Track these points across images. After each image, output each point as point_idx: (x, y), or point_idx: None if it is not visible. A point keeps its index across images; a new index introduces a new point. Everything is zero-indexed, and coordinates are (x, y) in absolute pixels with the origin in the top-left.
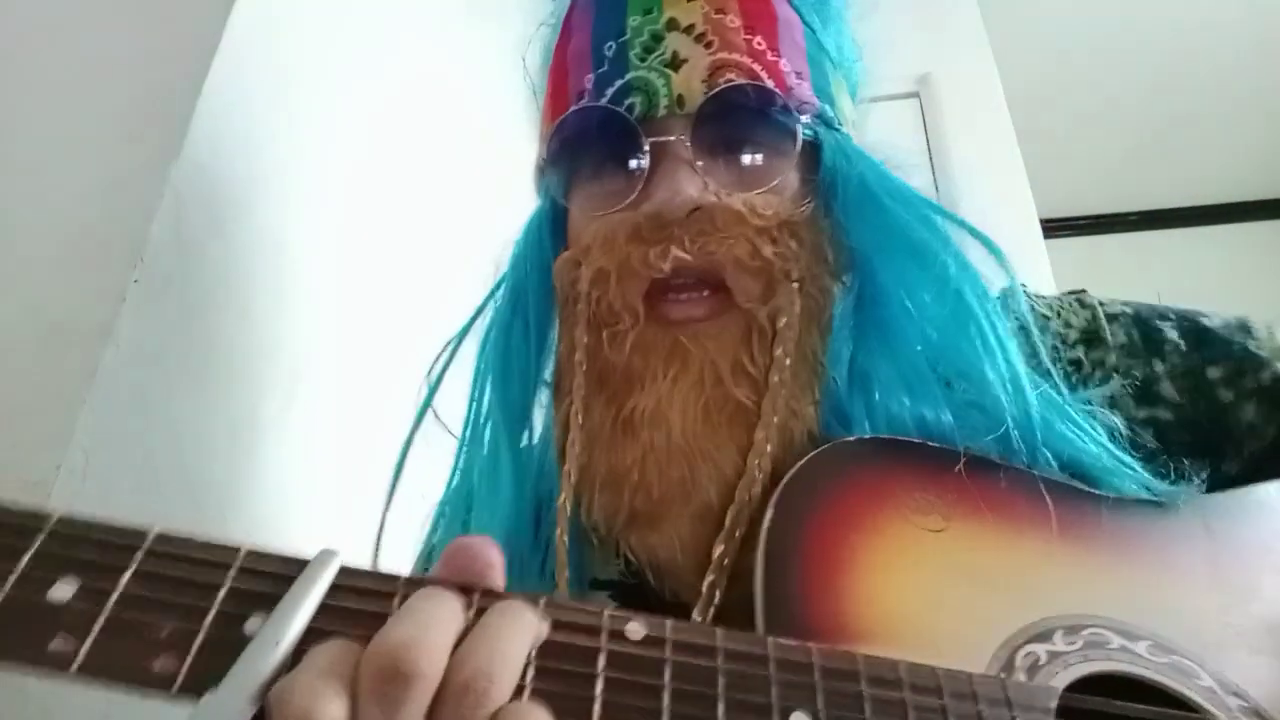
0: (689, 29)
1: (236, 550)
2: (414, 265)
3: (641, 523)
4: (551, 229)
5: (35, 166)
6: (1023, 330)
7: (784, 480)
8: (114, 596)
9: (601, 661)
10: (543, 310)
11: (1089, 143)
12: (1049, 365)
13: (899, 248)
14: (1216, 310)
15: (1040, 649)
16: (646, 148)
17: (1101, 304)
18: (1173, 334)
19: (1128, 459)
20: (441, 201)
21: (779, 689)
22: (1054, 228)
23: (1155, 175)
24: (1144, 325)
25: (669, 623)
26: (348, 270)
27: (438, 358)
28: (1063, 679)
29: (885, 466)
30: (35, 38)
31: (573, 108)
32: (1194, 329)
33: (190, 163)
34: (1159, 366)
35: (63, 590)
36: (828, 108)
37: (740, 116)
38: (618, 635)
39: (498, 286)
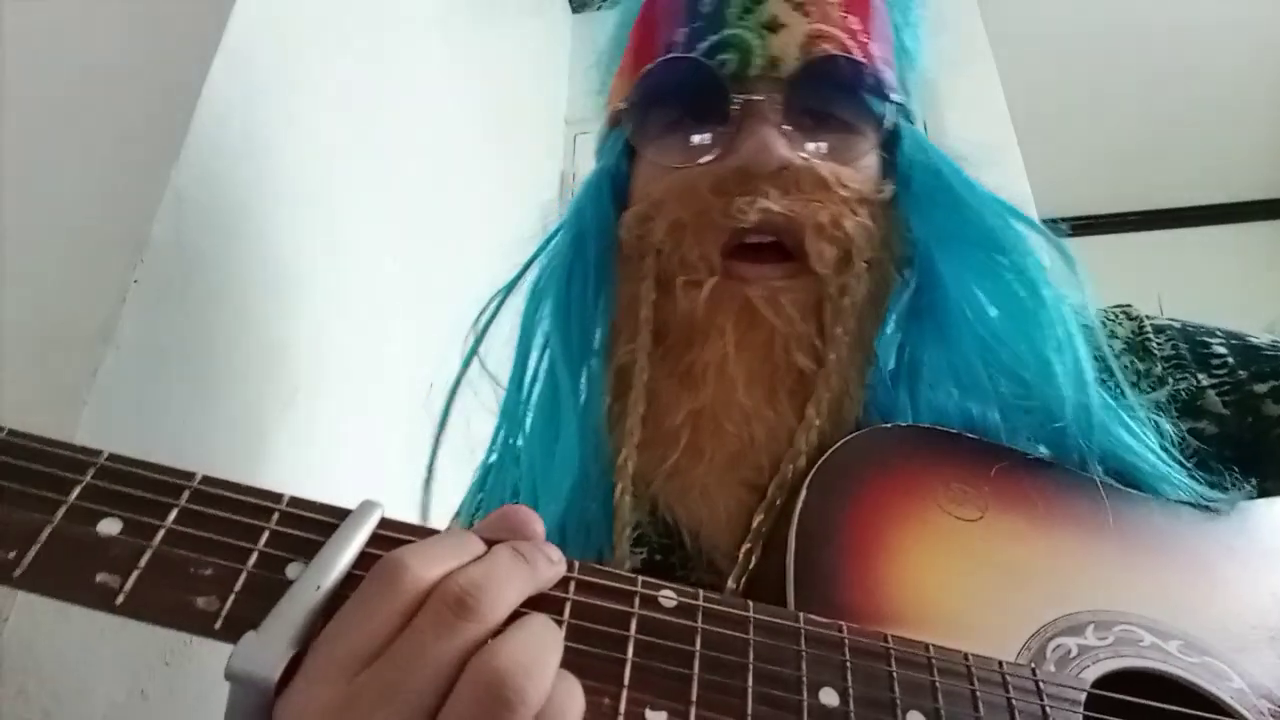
0: None
1: (280, 497)
2: (414, 264)
3: (685, 481)
4: (612, 188)
5: (36, 167)
6: (1087, 332)
7: (820, 461)
8: (160, 533)
9: (633, 626)
10: (601, 268)
11: (1089, 143)
12: (1114, 368)
13: (974, 239)
14: (1261, 333)
15: (1071, 642)
16: (735, 105)
17: (1148, 317)
18: (1220, 349)
19: (1178, 468)
20: (442, 200)
21: (809, 664)
22: (1055, 228)
23: (1155, 175)
24: (1191, 339)
25: (701, 593)
26: (348, 270)
27: (484, 310)
28: (1092, 673)
29: (922, 454)
30: (36, 38)
31: (661, 58)
32: (1241, 346)
33: (190, 163)
34: (1205, 379)
35: (110, 525)
36: (907, 101)
37: (832, 88)
38: (650, 601)
39: (549, 240)
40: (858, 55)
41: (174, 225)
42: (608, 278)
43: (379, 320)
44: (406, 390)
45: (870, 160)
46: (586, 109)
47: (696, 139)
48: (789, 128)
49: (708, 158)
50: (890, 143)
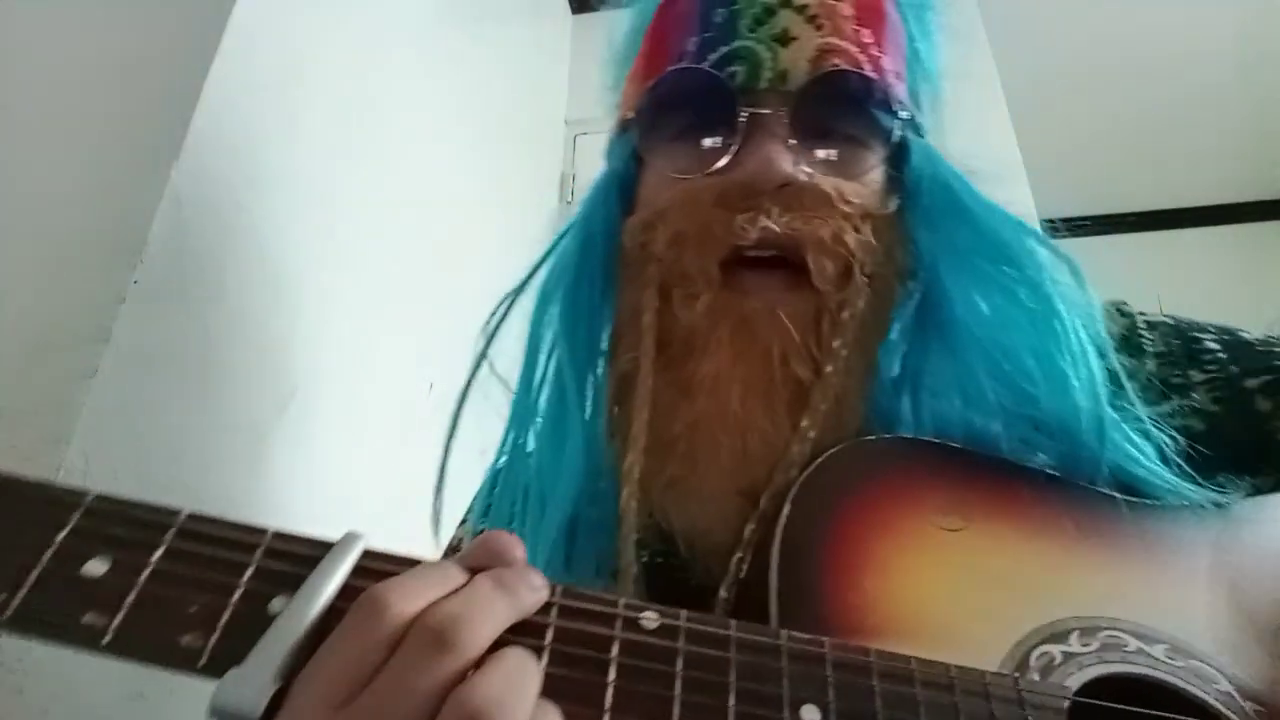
0: (802, 9)
1: (264, 532)
2: (414, 265)
3: (682, 490)
4: (619, 192)
5: (35, 167)
6: (1100, 345)
7: (803, 474)
8: (145, 573)
9: (615, 649)
10: (607, 272)
11: (1089, 143)
12: (1124, 381)
13: (984, 253)
14: (1251, 328)
15: (1055, 649)
16: (743, 117)
17: (1141, 313)
18: (1212, 344)
19: (1182, 479)
20: (442, 200)
21: (790, 681)
22: (1054, 228)
23: (1155, 175)
24: (1183, 335)
25: (683, 613)
26: (347, 271)
27: (495, 311)
28: (1077, 680)
29: (906, 465)
30: (35, 38)
31: (672, 68)
32: (1233, 341)
33: (190, 163)
34: (1196, 375)
35: (97, 566)
36: (918, 114)
37: (841, 103)
38: (632, 624)
39: (557, 241)
40: (868, 70)
41: (173, 226)
42: (613, 283)
43: (378, 321)
44: (405, 391)
45: (876, 174)
46: (586, 109)
47: (703, 149)
48: (794, 141)
49: (713, 168)
50: (898, 156)
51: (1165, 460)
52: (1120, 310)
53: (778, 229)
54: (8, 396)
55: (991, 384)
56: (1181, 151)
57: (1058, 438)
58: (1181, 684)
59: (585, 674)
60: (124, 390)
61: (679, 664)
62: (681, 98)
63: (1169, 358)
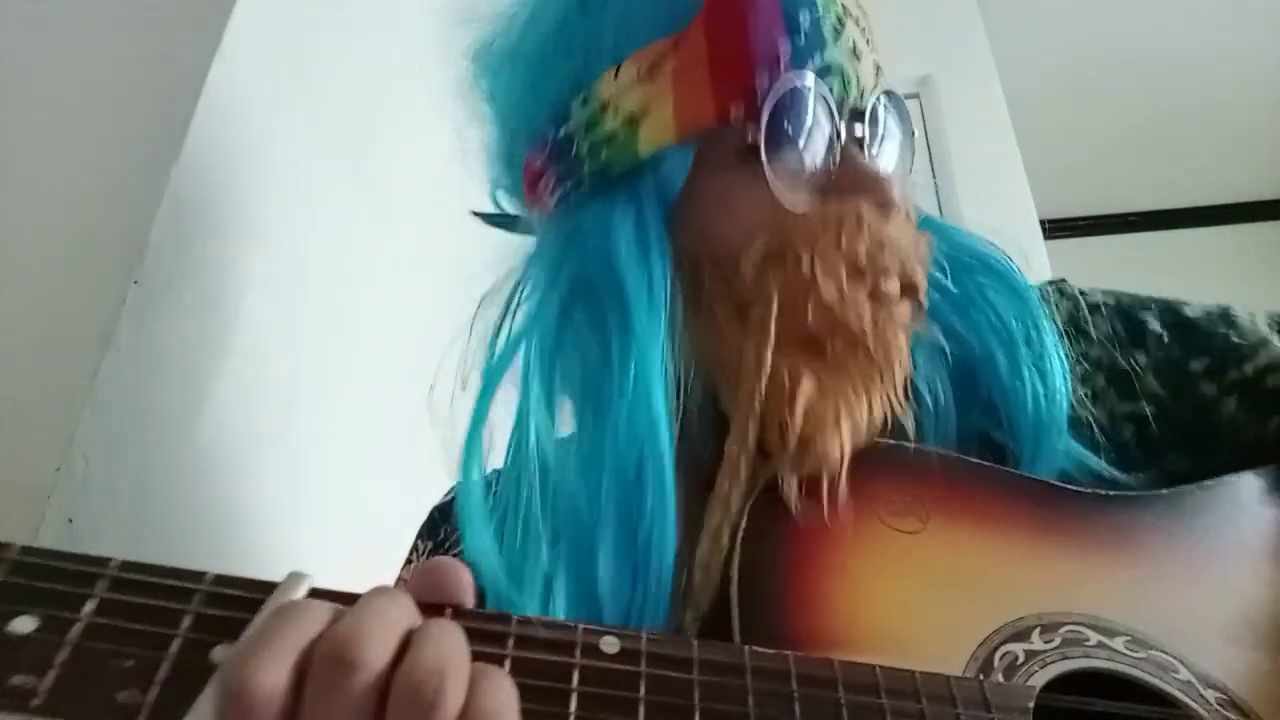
0: (856, 20)
1: (202, 576)
2: (415, 268)
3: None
4: (658, 202)
5: (35, 168)
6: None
7: (759, 486)
8: (77, 628)
9: (575, 678)
10: (653, 278)
11: (1089, 143)
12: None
13: (971, 262)
14: (1197, 301)
15: (1018, 648)
16: (842, 135)
17: (1083, 293)
18: (1155, 325)
19: (1107, 466)
20: (442, 204)
21: (756, 699)
22: (1054, 228)
23: (1155, 175)
24: (1126, 316)
25: (644, 635)
26: (348, 273)
27: (506, 308)
28: (1040, 678)
29: (861, 468)
30: (35, 38)
31: (785, 73)
32: (1176, 321)
33: (190, 164)
34: (1142, 359)
35: (24, 624)
36: None
37: (892, 123)
38: (592, 650)
39: (561, 256)
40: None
41: (174, 227)
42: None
43: (379, 322)
44: (406, 394)
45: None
46: None
47: (811, 165)
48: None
49: (812, 183)
50: None
51: (1096, 447)
52: (1062, 292)
53: (920, 261)
54: (8, 397)
55: (953, 377)
56: (1183, 151)
57: (1010, 432)
58: (1143, 676)
59: (546, 706)
60: (124, 392)
61: (641, 689)
62: (788, 106)
63: (1114, 341)
